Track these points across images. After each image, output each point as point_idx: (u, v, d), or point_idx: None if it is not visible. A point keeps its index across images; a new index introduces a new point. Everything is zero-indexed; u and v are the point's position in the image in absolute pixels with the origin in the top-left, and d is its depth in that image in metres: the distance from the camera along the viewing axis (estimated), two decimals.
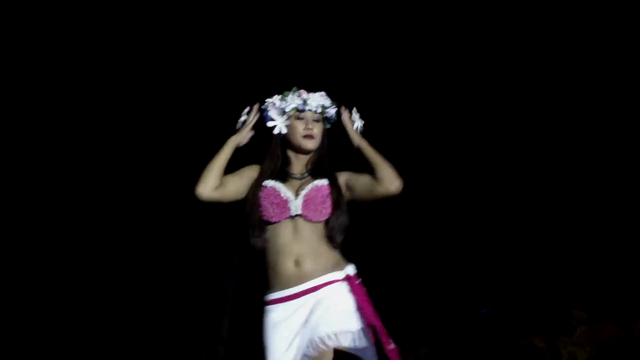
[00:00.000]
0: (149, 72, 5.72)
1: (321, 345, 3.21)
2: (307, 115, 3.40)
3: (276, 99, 3.40)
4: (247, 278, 5.63)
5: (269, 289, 3.34)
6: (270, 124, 3.40)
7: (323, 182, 3.47)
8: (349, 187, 3.48)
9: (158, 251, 5.88)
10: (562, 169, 5.74)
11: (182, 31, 5.70)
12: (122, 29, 5.63)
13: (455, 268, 5.80)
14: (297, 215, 3.40)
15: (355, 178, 3.51)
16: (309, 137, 3.38)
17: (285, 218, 3.39)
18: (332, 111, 3.48)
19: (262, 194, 3.38)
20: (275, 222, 3.36)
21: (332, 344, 3.23)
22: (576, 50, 5.67)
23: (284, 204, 3.39)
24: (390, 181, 3.42)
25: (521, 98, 5.77)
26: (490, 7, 5.71)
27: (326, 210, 3.44)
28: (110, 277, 5.84)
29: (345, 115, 3.41)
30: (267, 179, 3.40)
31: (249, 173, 3.42)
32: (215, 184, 3.33)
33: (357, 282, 3.46)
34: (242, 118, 3.39)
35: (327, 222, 3.43)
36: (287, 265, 3.40)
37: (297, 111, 3.41)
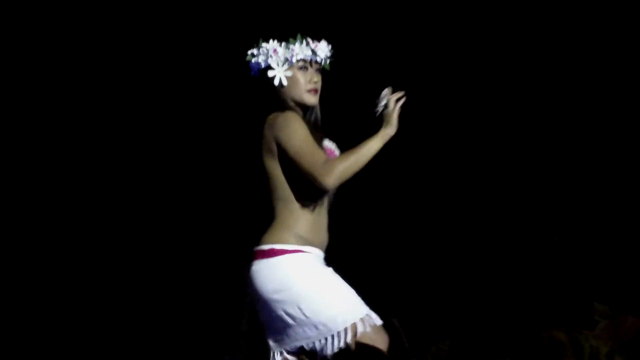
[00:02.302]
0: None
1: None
2: (311, 66, 3.14)
3: (277, 46, 3.10)
4: None
5: (299, 239, 3.11)
6: (270, 73, 3.11)
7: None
8: None
9: (177, 245, 5.88)
10: (581, 160, 5.71)
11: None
12: None
13: (475, 262, 5.79)
14: None
15: None
16: (313, 91, 3.12)
17: None
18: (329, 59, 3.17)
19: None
20: None
21: None
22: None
23: None
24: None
25: (544, 86, 5.74)
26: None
27: None
28: (127, 269, 5.85)
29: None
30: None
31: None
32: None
33: None
34: (383, 102, 3.07)
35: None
36: (323, 231, 3.21)
37: (301, 61, 3.11)
